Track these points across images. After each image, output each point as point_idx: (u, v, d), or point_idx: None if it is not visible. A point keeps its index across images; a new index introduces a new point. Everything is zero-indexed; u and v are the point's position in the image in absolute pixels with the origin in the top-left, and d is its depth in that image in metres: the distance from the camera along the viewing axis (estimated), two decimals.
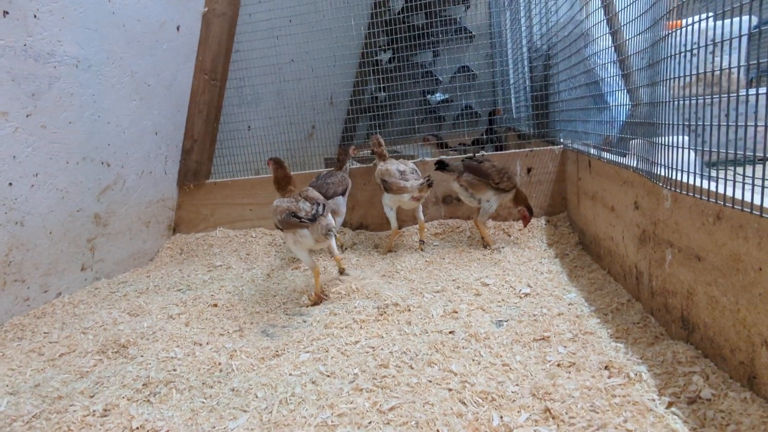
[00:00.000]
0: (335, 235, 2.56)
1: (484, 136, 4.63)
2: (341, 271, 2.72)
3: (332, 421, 1.39)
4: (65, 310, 2.82)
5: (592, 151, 2.72)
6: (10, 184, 2.63)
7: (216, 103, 4.14)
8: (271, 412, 1.50)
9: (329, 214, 2.55)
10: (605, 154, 2.48)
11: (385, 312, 2.24)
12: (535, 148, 3.55)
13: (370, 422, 1.37)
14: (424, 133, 4.49)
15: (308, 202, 2.48)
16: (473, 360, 1.69)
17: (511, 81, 5.16)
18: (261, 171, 4.29)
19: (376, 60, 5.38)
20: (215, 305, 2.63)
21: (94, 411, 1.65)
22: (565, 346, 1.71)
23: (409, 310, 2.25)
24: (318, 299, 2.51)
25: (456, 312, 2.17)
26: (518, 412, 1.37)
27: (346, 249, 3.49)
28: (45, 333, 2.49)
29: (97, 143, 3.19)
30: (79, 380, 1.93)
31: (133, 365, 1.99)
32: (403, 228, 3.67)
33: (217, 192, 4.12)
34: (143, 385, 1.81)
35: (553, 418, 1.31)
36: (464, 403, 1.43)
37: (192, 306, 2.65)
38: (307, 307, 2.48)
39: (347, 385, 1.60)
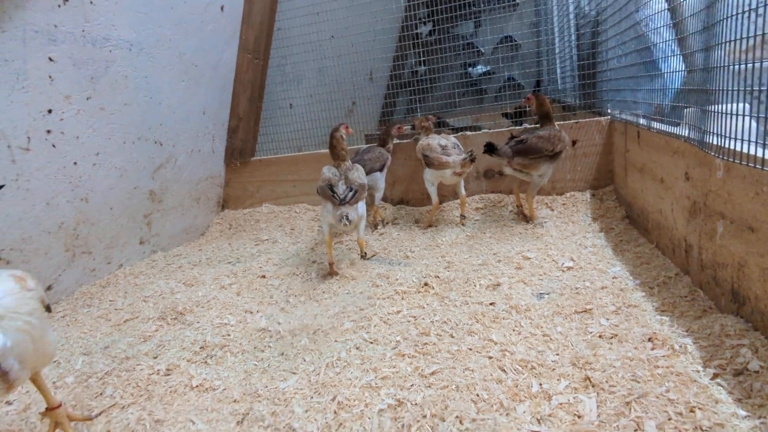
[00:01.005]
0: (354, 221, 2.55)
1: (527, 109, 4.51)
2: (362, 256, 2.73)
3: (376, 383, 1.47)
4: (127, 281, 3.04)
5: (641, 121, 2.61)
6: (75, 163, 2.83)
7: (259, 82, 4.23)
8: (318, 374, 1.59)
9: (358, 205, 2.57)
10: (655, 124, 2.38)
11: (426, 284, 2.28)
12: (580, 120, 3.44)
13: (412, 385, 1.43)
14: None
15: (347, 184, 2.55)
16: (513, 330, 1.72)
17: (557, 50, 4.96)
18: (303, 148, 4.38)
19: (416, 33, 5.30)
20: (263, 276, 2.77)
21: (158, 370, 1.81)
22: (608, 319, 1.70)
23: (450, 282, 2.28)
24: (332, 271, 2.61)
25: (497, 285, 2.19)
26: (558, 380, 1.39)
27: (387, 224, 3.55)
28: (110, 301, 2.71)
29: (150, 123, 3.35)
30: (143, 343, 2.10)
31: (191, 330, 2.14)
32: (444, 203, 3.68)
33: (262, 169, 4.26)
34: (200, 348, 1.95)
35: (593, 386, 1.33)
36: (504, 371, 1.46)
37: (242, 277, 2.80)
38: (333, 277, 2.57)
39: (390, 351, 1.67)
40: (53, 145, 2.66)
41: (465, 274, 2.36)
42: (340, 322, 2.00)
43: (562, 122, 3.48)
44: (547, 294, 2.03)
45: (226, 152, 4.25)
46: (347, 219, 2.45)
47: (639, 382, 1.30)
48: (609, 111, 3.40)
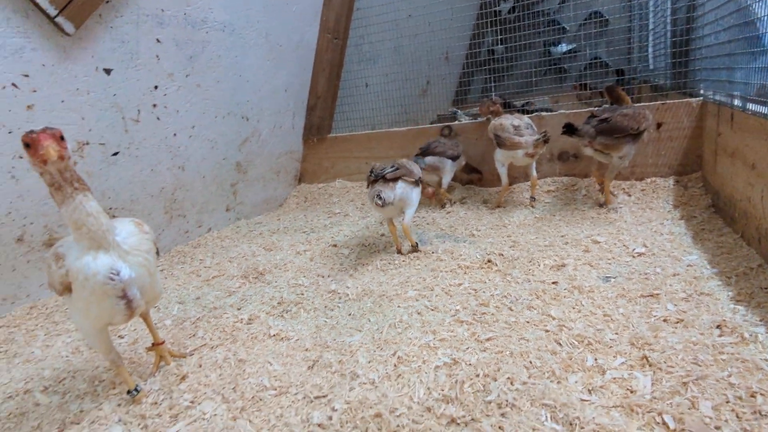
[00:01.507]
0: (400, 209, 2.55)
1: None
2: (413, 247, 2.64)
3: (434, 344, 1.57)
4: (215, 243, 3.37)
5: (736, 102, 2.42)
6: (175, 134, 3.16)
7: (337, 61, 4.40)
8: (381, 333, 1.72)
9: (398, 186, 2.47)
10: (751, 106, 2.21)
11: (489, 261, 2.33)
12: (667, 101, 3.23)
13: (467, 348, 1.52)
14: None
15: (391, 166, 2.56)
16: (573, 308, 1.73)
17: (650, 26, 4.63)
18: (377, 126, 4.51)
19: (496, 11, 5.17)
20: (335, 245, 2.95)
21: (241, 319, 2.04)
22: (675, 304, 1.66)
23: (514, 260, 2.31)
24: (398, 249, 2.68)
25: (562, 266, 2.18)
26: (614, 357, 1.40)
27: (454, 203, 3.59)
28: (200, 260, 3.03)
29: (239, 100, 3.64)
30: (228, 297, 2.36)
31: (269, 288, 2.37)
32: (514, 184, 3.64)
33: (337, 146, 4.45)
34: (278, 303, 2.16)
35: (650, 365, 1.33)
36: (559, 344, 1.50)
37: (315, 245, 3.01)
38: (407, 254, 2.66)
39: (449, 318, 1.76)
40: (158, 118, 2.99)
41: (529, 253, 2.37)
42: (404, 290, 2.12)
43: (647, 104, 3.30)
44: (614, 278, 2.00)
45: (305, 129, 4.49)
46: (379, 197, 2.36)
47: (700, 366, 1.28)
48: (702, 92, 3.16)
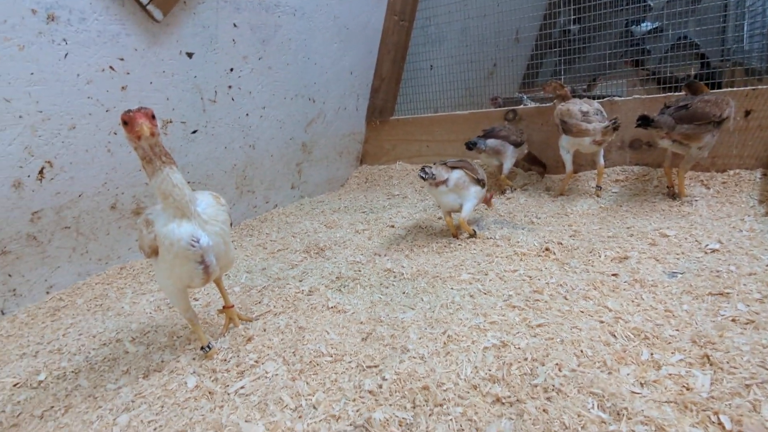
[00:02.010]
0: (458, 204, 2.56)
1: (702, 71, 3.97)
2: (470, 234, 2.65)
3: (484, 326, 1.60)
4: (280, 218, 3.56)
5: None
6: (247, 114, 3.34)
7: (403, 44, 4.40)
8: (433, 312, 1.77)
9: (450, 173, 2.49)
10: None
11: (547, 249, 2.30)
12: (759, 87, 2.96)
13: (518, 332, 1.53)
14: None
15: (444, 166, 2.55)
16: (632, 301, 1.69)
17: (748, 3, 4.21)
18: (440, 109, 4.49)
19: None
20: (392, 226, 3.03)
21: (302, 290, 2.17)
22: (748, 305, 1.57)
23: (573, 250, 2.26)
24: (453, 234, 2.68)
25: (624, 258, 2.11)
26: (672, 353, 1.37)
27: (515, 189, 3.53)
28: (267, 233, 3.22)
29: (306, 82, 3.77)
30: (291, 269, 2.50)
31: (329, 263, 2.49)
32: (579, 172, 3.52)
33: (398, 128, 4.49)
34: (336, 278, 2.28)
35: (711, 364, 1.28)
36: (614, 336, 1.48)
37: (374, 225, 3.10)
38: (463, 239, 2.67)
39: (501, 302, 1.78)
40: (232, 99, 3.18)
41: (590, 243, 2.31)
42: (458, 273, 2.15)
43: (732, 89, 3.04)
44: (681, 273, 1.91)
45: (368, 111, 4.56)
46: (423, 171, 2.42)
47: (767, 369, 1.22)
48: None
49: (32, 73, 2.13)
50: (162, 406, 1.42)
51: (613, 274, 1.94)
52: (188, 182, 2.98)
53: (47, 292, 2.39)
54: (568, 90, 3.28)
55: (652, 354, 1.37)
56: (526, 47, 5.49)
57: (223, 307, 1.90)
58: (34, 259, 2.30)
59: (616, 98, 3.47)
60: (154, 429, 1.31)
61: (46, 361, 1.79)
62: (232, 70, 3.12)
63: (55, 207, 2.34)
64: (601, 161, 3.13)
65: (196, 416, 1.35)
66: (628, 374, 1.30)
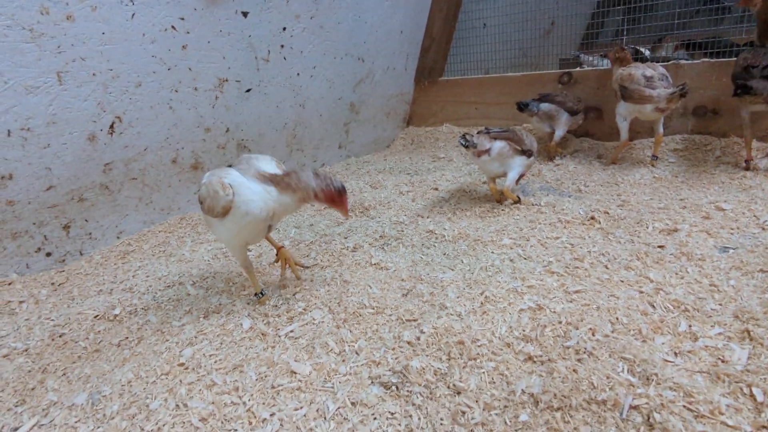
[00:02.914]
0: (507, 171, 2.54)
1: None
2: (515, 202, 2.63)
3: (521, 289, 1.65)
4: None
5: None
6: (298, 74, 3.40)
7: (455, 1, 4.26)
8: (472, 273, 1.83)
9: (492, 143, 2.47)
10: None
11: (593, 218, 2.27)
12: None
13: (554, 297, 1.57)
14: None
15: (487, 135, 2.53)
16: (676, 274, 1.67)
17: None
18: (491, 70, 4.37)
19: None
20: (436, 189, 3.06)
21: (347, 246, 2.28)
22: None
23: (619, 220, 2.23)
24: (497, 199, 2.68)
25: (673, 230, 2.06)
26: (711, 326, 1.37)
27: (564, 156, 3.45)
28: None
29: (356, 41, 3.76)
30: (336, 226, 2.61)
31: (373, 223, 2.58)
32: (635, 140, 3.38)
33: (447, 89, 4.43)
34: (380, 237, 2.36)
35: (751, 339, 1.28)
36: (652, 306, 1.49)
37: (418, 187, 3.14)
38: (506, 205, 2.67)
39: (540, 267, 1.81)
40: (284, 58, 3.24)
41: (639, 214, 2.27)
42: (500, 237, 2.18)
43: None
44: (733, 249, 1.86)
45: (417, 71, 4.50)
46: (464, 138, 2.44)
47: None
48: None
49: (103, 33, 2.27)
50: (221, 343, 1.58)
51: (659, 246, 1.92)
52: (242, 140, 3.12)
53: (118, 237, 2.63)
54: (629, 53, 3.11)
55: (690, 326, 1.38)
56: (587, 4, 5.18)
57: (276, 251, 2.01)
58: (106, 206, 2.53)
59: (683, 62, 3.26)
60: (215, 362, 1.48)
61: (120, 298, 2.01)
62: (284, 29, 3.16)
63: (124, 159, 2.53)
64: (661, 129, 2.99)
65: (251, 353, 1.50)
66: (662, 343, 1.32)
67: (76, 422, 1.29)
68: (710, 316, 1.42)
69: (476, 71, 4.48)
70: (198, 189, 1.74)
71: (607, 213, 2.31)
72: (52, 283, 2.22)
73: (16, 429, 1.29)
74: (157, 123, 2.62)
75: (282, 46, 3.19)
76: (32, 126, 2.13)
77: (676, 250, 1.86)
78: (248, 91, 3.08)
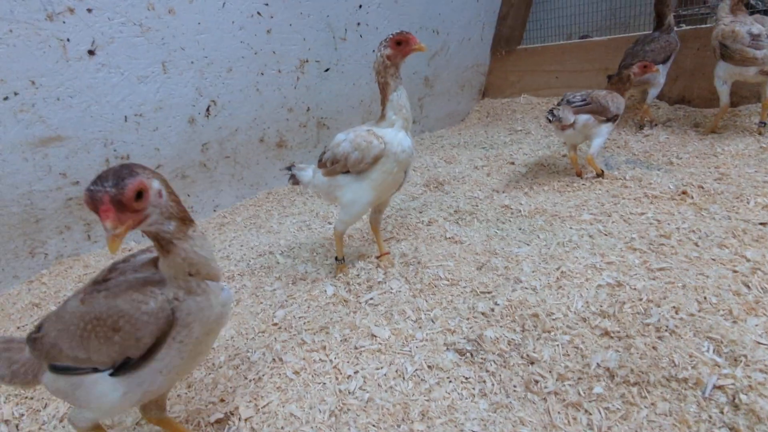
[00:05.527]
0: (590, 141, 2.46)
1: None
2: (597, 174, 2.54)
3: (600, 265, 1.62)
4: None
5: None
6: (373, 51, 3.44)
7: None
8: (549, 248, 1.83)
9: (577, 116, 2.39)
10: None
11: (684, 192, 2.14)
12: None
13: (635, 274, 1.53)
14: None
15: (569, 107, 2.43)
16: None
17: None
18: (573, 36, 4.13)
19: None
20: (512, 163, 3.01)
21: (422, 221, 2.35)
22: None
23: (716, 195, 2.07)
24: (577, 172, 2.60)
25: None
26: None
27: (656, 125, 3.22)
28: None
29: (431, 14, 3.72)
30: (412, 201, 2.68)
31: (447, 197, 2.62)
32: (739, 106, 3.06)
33: (526, 58, 4.25)
34: (454, 211, 2.40)
35: None
36: (747, 286, 1.40)
37: (493, 161, 3.11)
38: (587, 179, 2.56)
39: (621, 244, 1.76)
40: (360, 36, 3.31)
41: (739, 189, 2.09)
42: (579, 213, 2.13)
43: None
44: None
45: (494, 40, 4.37)
46: (552, 113, 2.40)
47: None
48: None
49: (199, 23, 2.47)
50: (308, 307, 1.73)
51: (761, 223, 1.77)
52: (321, 118, 3.26)
53: (214, 210, 2.90)
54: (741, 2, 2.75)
55: None
56: None
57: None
58: (204, 182, 2.80)
59: None
60: (304, 323, 1.63)
61: (219, 265, 2.24)
62: (361, 6, 3.22)
63: (219, 140, 2.77)
64: None
65: (335, 317, 1.64)
66: (756, 325, 1.25)
67: None
68: None
69: (558, 37, 4.26)
70: (325, 150, 1.78)
71: (702, 187, 2.16)
72: None
73: None
74: (246, 105, 2.83)
75: (358, 24, 3.25)
76: (143, 112, 2.41)
77: None
78: (327, 70, 3.20)
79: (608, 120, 2.41)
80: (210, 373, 1.46)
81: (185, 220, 0.95)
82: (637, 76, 2.52)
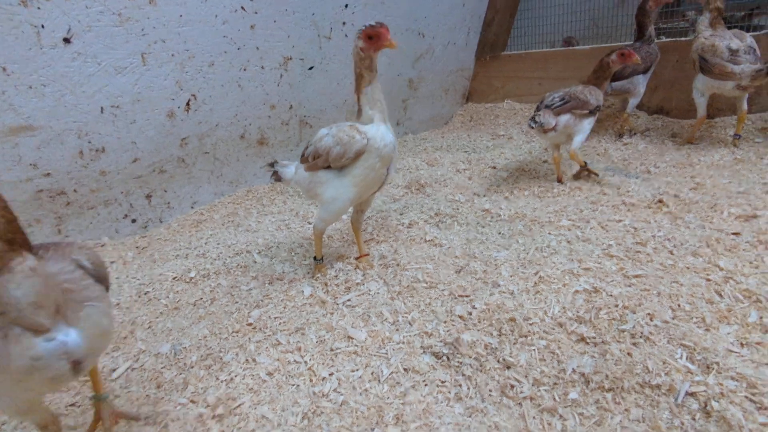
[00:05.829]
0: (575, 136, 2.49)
1: None
2: (581, 169, 2.62)
3: (577, 271, 1.63)
4: None
5: None
6: None
7: None
8: (527, 253, 1.83)
9: (558, 117, 2.43)
10: None
11: (660, 201, 2.17)
12: None
13: (612, 280, 1.54)
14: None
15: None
16: (750, 263, 1.58)
17: None
18: (556, 44, 4.18)
19: None
20: (494, 167, 3.03)
21: (402, 223, 2.33)
22: None
23: (691, 204, 2.11)
24: (558, 178, 2.63)
25: (752, 216, 1.93)
26: None
27: (635, 134, 3.27)
28: None
29: (417, 16, 3.72)
30: (392, 203, 2.67)
31: (428, 200, 2.61)
32: (715, 118, 3.14)
33: (510, 64, 4.29)
34: (435, 214, 2.40)
35: None
36: (720, 295, 1.43)
37: (475, 165, 3.12)
38: (568, 183, 2.59)
39: (599, 250, 1.77)
40: (345, 35, 3.28)
41: (714, 198, 2.14)
42: (558, 218, 2.14)
43: None
44: None
45: (478, 46, 4.40)
46: (534, 120, 2.42)
47: None
48: None
49: (181, 15, 2.42)
50: (284, 307, 1.70)
51: (734, 233, 1.81)
52: (304, 116, 3.23)
53: (192, 207, 2.84)
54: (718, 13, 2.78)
55: (761, 317, 1.32)
56: None
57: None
58: (182, 178, 2.73)
59: None
60: (280, 323, 1.60)
61: (195, 263, 2.19)
62: (347, 6, 3.20)
63: (198, 134, 2.71)
64: (745, 106, 2.75)
65: (311, 318, 1.61)
66: (728, 333, 1.27)
67: (162, 368, 1.46)
68: None
69: (542, 45, 4.31)
70: (307, 146, 1.76)
71: (677, 196, 2.19)
72: (137, 247, 2.46)
73: (114, 370, 1.48)
74: (227, 100, 2.78)
75: (344, 23, 3.23)
76: (121, 103, 2.34)
77: (753, 237, 1.75)
78: (311, 68, 3.16)
79: (590, 113, 2.45)
80: (181, 374, 1.42)
81: (13, 243, 0.80)
82: (614, 64, 2.52)
